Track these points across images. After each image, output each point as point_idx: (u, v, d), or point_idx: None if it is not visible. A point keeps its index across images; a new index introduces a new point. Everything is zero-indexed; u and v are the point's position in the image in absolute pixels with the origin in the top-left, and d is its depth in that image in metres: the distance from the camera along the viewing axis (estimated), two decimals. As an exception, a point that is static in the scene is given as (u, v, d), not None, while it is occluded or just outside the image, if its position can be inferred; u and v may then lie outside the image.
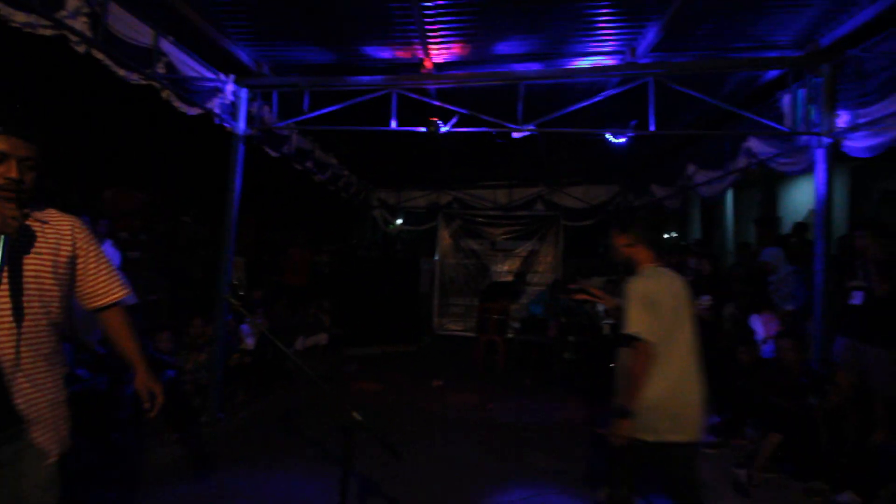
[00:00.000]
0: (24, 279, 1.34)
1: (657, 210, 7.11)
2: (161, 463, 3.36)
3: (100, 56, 3.00)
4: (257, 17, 3.69)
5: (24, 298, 1.33)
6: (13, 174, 1.28)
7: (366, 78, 4.25)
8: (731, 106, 4.18)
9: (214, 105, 4.17)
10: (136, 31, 3.20)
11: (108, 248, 5.19)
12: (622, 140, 4.44)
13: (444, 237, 9.11)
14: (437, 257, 9.05)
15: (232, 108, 4.37)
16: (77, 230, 1.49)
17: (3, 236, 1.24)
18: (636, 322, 2.00)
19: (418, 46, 3.92)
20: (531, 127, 4.24)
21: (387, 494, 2.95)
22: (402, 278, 8.19)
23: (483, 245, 9.00)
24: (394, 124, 4.27)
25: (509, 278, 8.66)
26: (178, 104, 3.84)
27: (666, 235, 9.45)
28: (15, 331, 1.32)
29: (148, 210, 6.71)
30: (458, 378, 6.16)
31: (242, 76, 4.33)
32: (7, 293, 1.31)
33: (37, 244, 1.38)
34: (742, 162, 4.68)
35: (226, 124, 4.35)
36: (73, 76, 5.19)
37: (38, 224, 1.40)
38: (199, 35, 3.73)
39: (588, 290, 2.45)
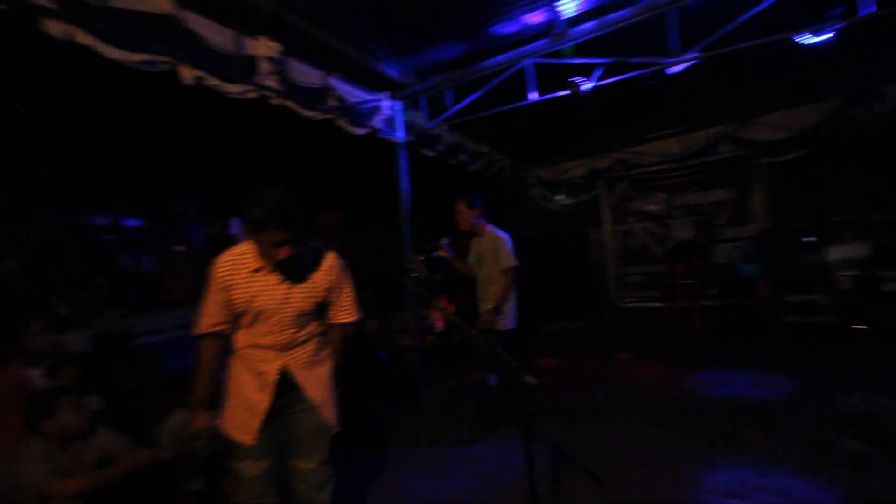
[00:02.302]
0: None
1: None
2: (385, 425, 4.04)
3: (289, 104, 3.75)
4: (399, 33, 4.07)
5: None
6: (272, 252, 1.91)
7: (499, 57, 4.28)
8: None
9: (376, 122, 4.77)
10: (309, 75, 3.89)
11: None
12: (825, 37, 3.44)
13: (610, 203, 8.49)
14: (605, 226, 8.50)
15: (390, 121, 4.92)
16: (332, 269, 2.13)
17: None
18: None
19: (544, 7, 3.77)
20: (693, 54, 3.66)
21: (582, 467, 2.95)
22: (570, 253, 7.96)
23: (658, 204, 8.06)
24: (533, 96, 4.20)
25: (696, 237, 7.57)
26: (350, 128, 4.52)
27: None
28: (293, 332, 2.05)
29: (347, 224, 8.08)
30: (647, 351, 5.72)
31: (395, 90, 4.84)
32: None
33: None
34: None
35: (388, 136, 4.93)
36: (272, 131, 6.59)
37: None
38: (355, 64, 4.31)
39: None
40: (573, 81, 4.05)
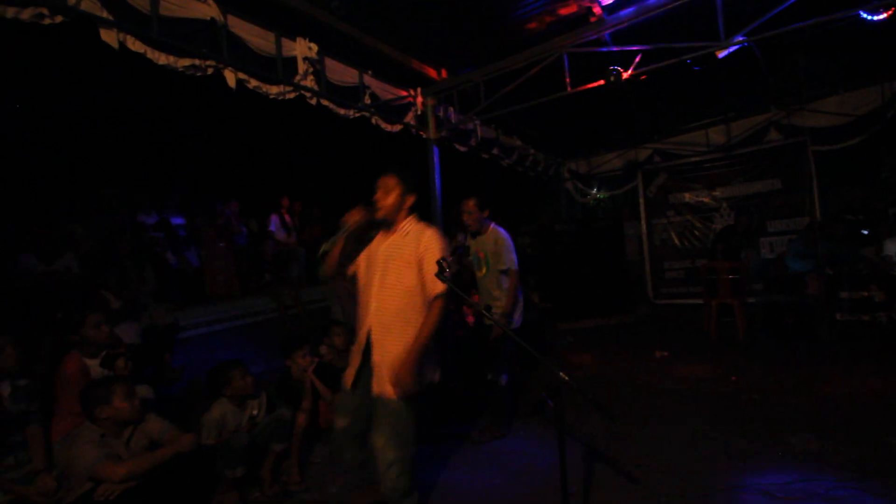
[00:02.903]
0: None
1: None
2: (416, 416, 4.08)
3: (326, 103, 3.83)
4: (431, 28, 4.08)
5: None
6: (378, 196, 2.24)
7: (536, 48, 4.22)
8: None
9: (410, 118, 4.81)
10: (345, 74, 3.96)
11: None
12: (883, 17, 3.19)
13: (647, 196, 8.23)
14: (642, 220, 8.25)
15: (423, 117, 4.95)
16: (425, 241, 2.20)
17: (346, 225, 2.23)
18: None
19: (581, -4, 3.69)
20: (739, 38, 3.49)
21: (616, 465, 2.91)
22: (605, 247, 7.78)
23: (699, 196, 7.75)
24: (569, 87, 4.12)
25: (741, 230, 7.23)
26: (384, 125, 4.58)
27: None
28: (377, 297, 2.19)
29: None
30: (685, 349, 5.52)
31: (427, 86, 4.85)
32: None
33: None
34: None
35: (421, 132, 4.96)
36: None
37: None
38: (389, 61, 4.35)
39: None
40: (613, 70, 3.93)
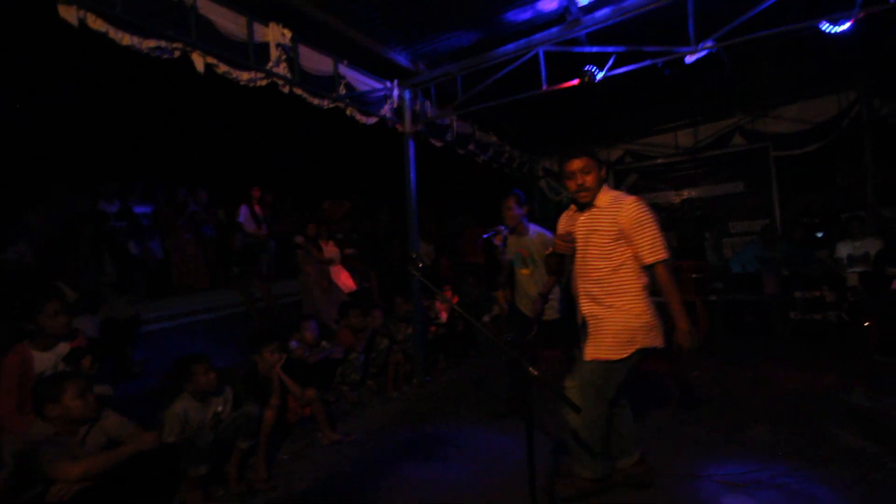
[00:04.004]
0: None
1: None
2: (388, 414, 4.08)
3: (299, 92, 3.73)
4: (409, 19, 4.02)
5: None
6: (578, 181, 2.33)
7: (510, 46, 4.23)
8: None
9: (386, 111, 4.74)
10: (319, 62, 3.87)
11: (330, 248, 6.44)
12: (845, 27, 3.35)
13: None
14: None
15: (399, 110, 4.89)
16: (628, 210, 2.30)
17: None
18: None
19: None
20: (708, 44, 3.60)
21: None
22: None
23: (667, 197, 7.99)
24: (544, 85, 4.16)
25: (705, 230, 7.51)
26: (359, 117, 4.50)
27: None
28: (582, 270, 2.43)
29: (354, 213, 8.09)
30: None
31: (403, 78, 4.80)
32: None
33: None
34: None
35: (397, 125, 4.91)
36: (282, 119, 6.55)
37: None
38: (365, 51, 4.27)
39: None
40: (588, 70, 4.00)
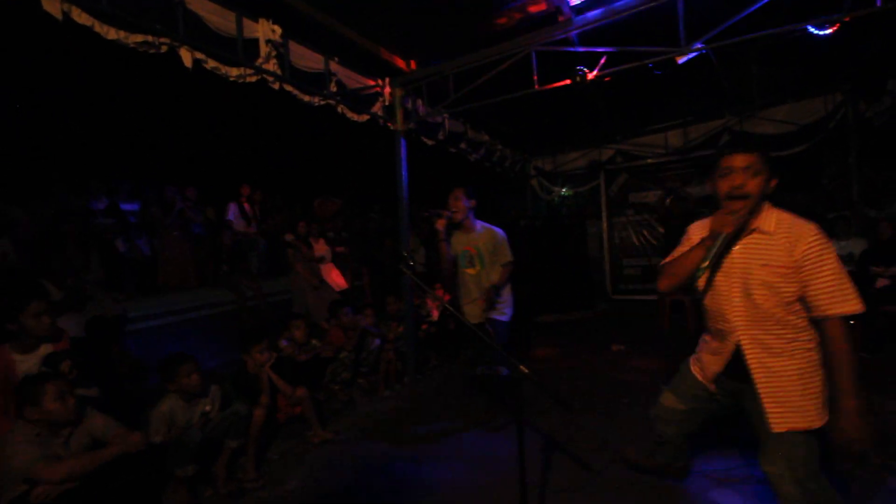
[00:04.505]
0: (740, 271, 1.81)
1: None
2: (380, 412, 4.07)
3: (289, 89, 3.70)
4: (402, 17, 4.01)
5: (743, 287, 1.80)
6: (737, 182, 1.75)
7: (505, 44, 4.22)
8: None
9: (377, 108, 4.72)
10: (310, 59, 3.84)
11: (321, 246, 6.41)
12: (831, 30, 3.41)
13: (609, 195, 8.48)
14: (603, 218, 8.50)
15: (391, 108, 4.87)
16: (808, 242, 1.70)
17: (721, 235, 1.76)
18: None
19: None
20: (698, 46, 3.63)
21: (573, 455, 2.99)
22: (568, 244, 7.98)
23: (657, 197, 8.06)
24: (536, 85, 4.17)
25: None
26: (350, 115, 4.48)
27: None
28: (743, 311, 1.80)
29: (345, 211, 8.05)
30: (640, 343, 5.76)
31: (395, 77, 4.78)
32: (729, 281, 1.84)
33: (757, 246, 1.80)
34: None
35: (388, 123, 4.89)
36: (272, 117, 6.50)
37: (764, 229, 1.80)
38: (357, 49, 4.25)
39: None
40: (579, 70, 4.01)
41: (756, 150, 1.77)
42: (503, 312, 3.41)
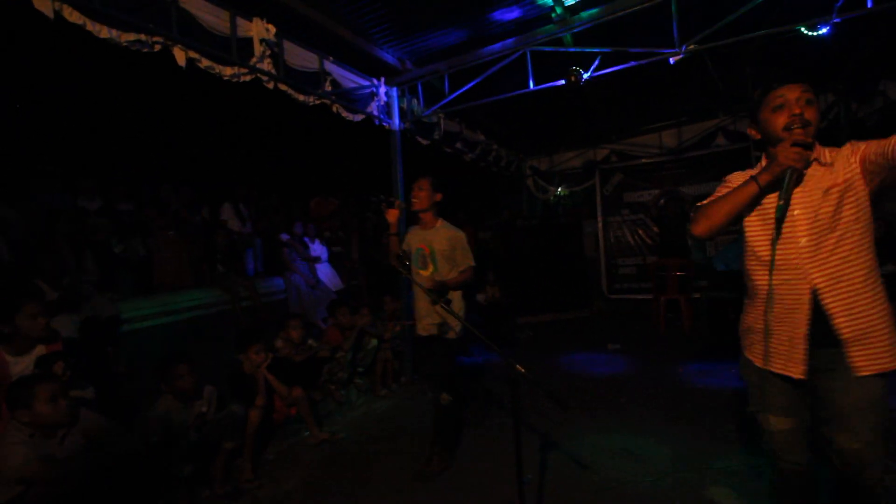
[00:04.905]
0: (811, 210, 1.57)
1: None
2: (376, 412, 4.07)
3: (284, 88, 3.69)
4: (396, 16, 4.01)
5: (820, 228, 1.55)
6: (796, 111, 1.53)
7: (498, 45, 4.24)
8: None
9: (373, 108, 4.72)
10: (305, 58, 3.83)
11: (318, 246, 6.40)
12: (823, 31, 3.44)
13: (605, 195, 8.51)
14: (598, 217, 8.53)
15: (386, 108, 4.87)
16: (850, 145, 1.56)
17: (789, 169, 1.51)
18: None
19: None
20: (693, 45, 3.65)
21: (568, 453, 3.00)
22: (564, 244, 8.01)
23: (651, 197, 8.10)
24: (531, 84, 4.18)
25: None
26: (345, 114, 4.47)
27: None
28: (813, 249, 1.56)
29: (341, 211, 8.03)
30: (635, 342, 5.79)
31: (391, 76, 4.78)
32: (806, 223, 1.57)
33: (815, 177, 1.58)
34: None
35: (384, 123, 4.88)
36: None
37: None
38: (352, 48, 4.25)
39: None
40: (575, 70, 4.02)
41: (807, 79, 1.59)
42: (454, 331, 2.92)
